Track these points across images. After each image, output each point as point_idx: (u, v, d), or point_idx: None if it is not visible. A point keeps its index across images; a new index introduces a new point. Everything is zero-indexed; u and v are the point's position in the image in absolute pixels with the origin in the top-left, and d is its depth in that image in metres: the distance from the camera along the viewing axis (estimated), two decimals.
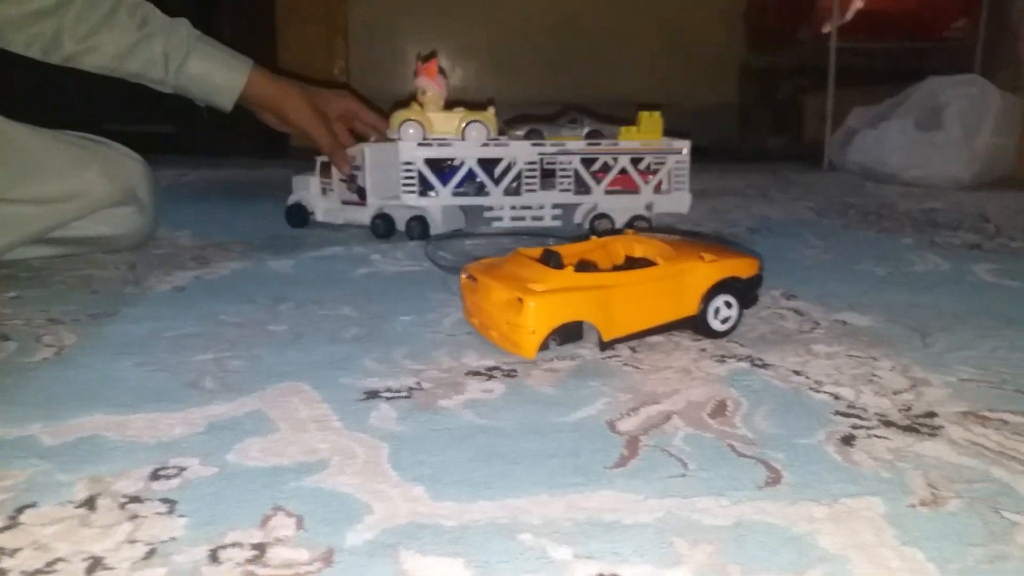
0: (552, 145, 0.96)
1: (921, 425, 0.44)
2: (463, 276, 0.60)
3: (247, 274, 0.79)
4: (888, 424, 0.44)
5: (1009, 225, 1.12)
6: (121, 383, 0.50)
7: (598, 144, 0.98)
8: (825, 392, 0.49)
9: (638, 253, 0.63)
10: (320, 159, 0.99)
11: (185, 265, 0.82)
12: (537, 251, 0.61)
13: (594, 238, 0.66)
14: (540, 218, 0.98)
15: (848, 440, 0.42)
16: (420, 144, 0.93)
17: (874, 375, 0.52)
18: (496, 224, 0.98)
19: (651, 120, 0.99)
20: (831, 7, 1.80)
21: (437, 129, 0.94)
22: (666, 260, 0.59)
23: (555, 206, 0.98)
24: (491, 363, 0.54)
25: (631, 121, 1.00)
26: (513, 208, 0.98)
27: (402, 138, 0.92)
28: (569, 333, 0.55)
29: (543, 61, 2.43)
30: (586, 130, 1.00)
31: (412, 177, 0.93)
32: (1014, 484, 0.37)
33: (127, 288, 0.73)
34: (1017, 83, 1.76)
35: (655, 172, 1.00)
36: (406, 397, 0.48)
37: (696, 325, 0.59)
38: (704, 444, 0.41)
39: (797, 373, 0.52)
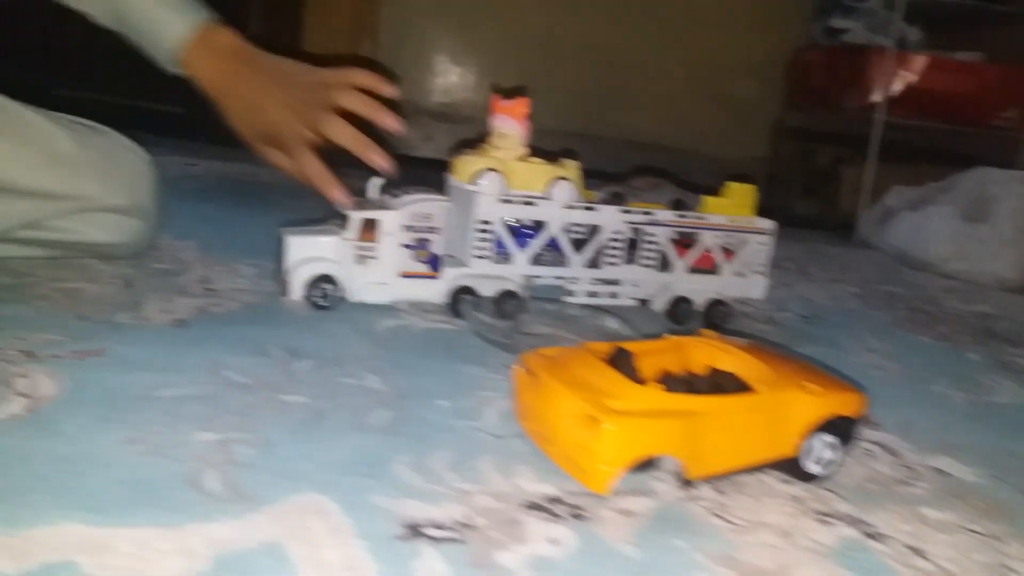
0: (642, 213, 0.82)
1: None
2: (519, 368, 0.51)
3: (259, 313, 0.70)
4: None
5: None
6: (103, 472, 0.40)
7: (685, 216, 0.84)
8: None
9: (723, 365, 0.54)
10: (362, 215, 0.73)
11: (188, 290, 0.72)
12: (605, 347, 0.52)
13: (667, 337, 0.57)
14: (616, 295, 0.84)
15: None
16: (502, 200, 0.76)
17: (1004, 566, 0.43)
18: (569, 299, 0.82)
19: (743, 192, 0.87)
20: (881, 77, 1.74)
21: (519, 183, 0.78)
22: (763, 383, 0.50)
23: (635, 284, 0.84)
24: (552, 491, 0.45)
25: (713, 191, 0.87)
26: (592, 282, 0.82)
27: (481, 190, 0.75)
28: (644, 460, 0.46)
29: (566, 89, 2.34)
30: (670, 198, 0.88)
31: (486, 239, 0.77)
32: None
33: (120, 314, 0.63)
34: None
35: (731, 251, 0.88)
36: (455, 540, 0.38)
37: (790, 466, 0.50)
38: None
39: (915, 551, 0.44)
